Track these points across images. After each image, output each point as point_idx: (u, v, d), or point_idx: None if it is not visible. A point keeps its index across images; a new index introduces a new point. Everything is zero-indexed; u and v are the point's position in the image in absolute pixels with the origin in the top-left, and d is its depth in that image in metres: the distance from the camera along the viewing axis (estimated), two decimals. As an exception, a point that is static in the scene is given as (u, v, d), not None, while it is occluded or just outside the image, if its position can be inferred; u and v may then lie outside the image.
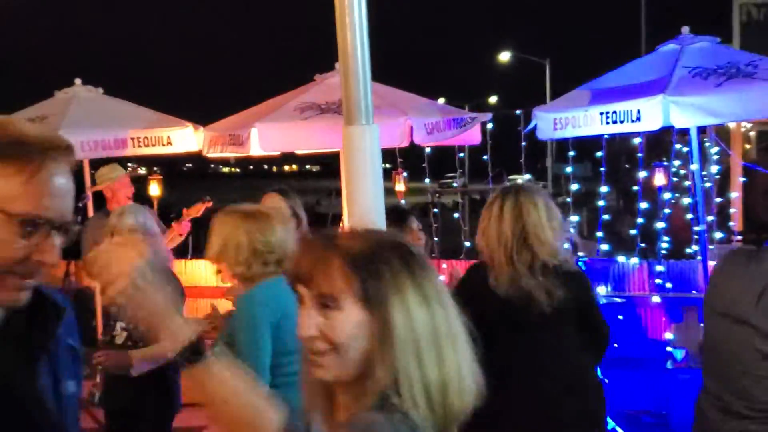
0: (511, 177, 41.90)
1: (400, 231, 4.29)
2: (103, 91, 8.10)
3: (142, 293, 1.51)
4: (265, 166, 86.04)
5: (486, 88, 63.51)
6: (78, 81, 8.00)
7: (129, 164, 6.80)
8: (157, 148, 7.51)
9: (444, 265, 8.15)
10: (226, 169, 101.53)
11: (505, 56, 45.21)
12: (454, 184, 12.71)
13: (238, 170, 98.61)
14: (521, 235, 3.56)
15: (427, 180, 8.07)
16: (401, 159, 8.54)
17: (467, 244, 8.79)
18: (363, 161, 1.94)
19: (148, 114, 8.00)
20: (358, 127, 1.90)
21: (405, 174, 8.88)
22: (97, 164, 7.62)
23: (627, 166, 13.24)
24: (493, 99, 62.05)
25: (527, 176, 39.51)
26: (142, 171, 6.61)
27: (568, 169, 8.94)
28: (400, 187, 8.89)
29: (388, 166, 9.33)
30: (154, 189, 8.31)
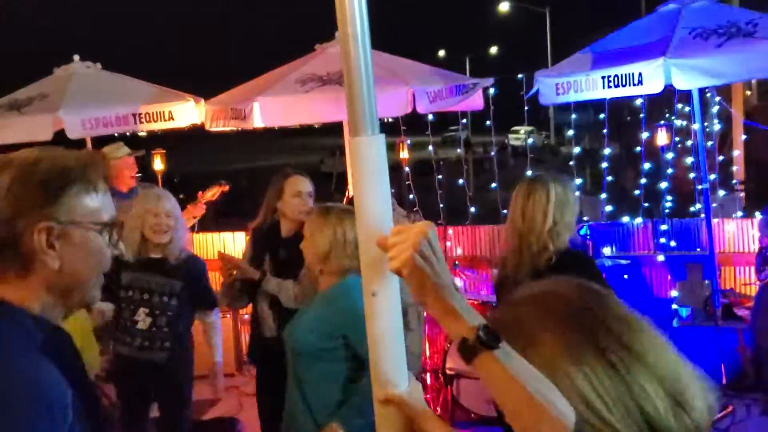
0: (513, 128, 41.49)
1: None
2: (102, 67, 8.05)
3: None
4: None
5: (486, 38, 63.03)
6: (76, 57, 7.97)
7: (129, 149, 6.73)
8: (159, 124, 7.50)
9: (450, 231, 8.19)
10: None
11: (504, 6, 44.93)
12: (461, 136, 12.70)
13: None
14: (528, 224, 3.65)
15: (430, 148, 8.03)
16: (404, 126, 8.52)
17: (472, 209, 8.81)
18: (370, 173, 1.93)
19: (148, 88, 7.98)
20: (364, 138, 1.90)
21: (408, 141, 8.87)
22: (98, 142, 7.61)
23: (629, 118, 13.20)
24: (493, 50, 61.75)
25: (529, 128, 38.97)
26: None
27: (570, 132, 8.88)
28: (404, 154, 8.89)
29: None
30: (158, 163, 8.31)
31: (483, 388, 6.39)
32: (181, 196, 7.77)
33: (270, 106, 6.57)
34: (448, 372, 6.21)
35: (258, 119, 6.57)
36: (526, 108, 7.53)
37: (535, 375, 1.39)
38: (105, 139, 7.42)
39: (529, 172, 8.20)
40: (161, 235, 4.69)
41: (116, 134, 7.46)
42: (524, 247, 3.72)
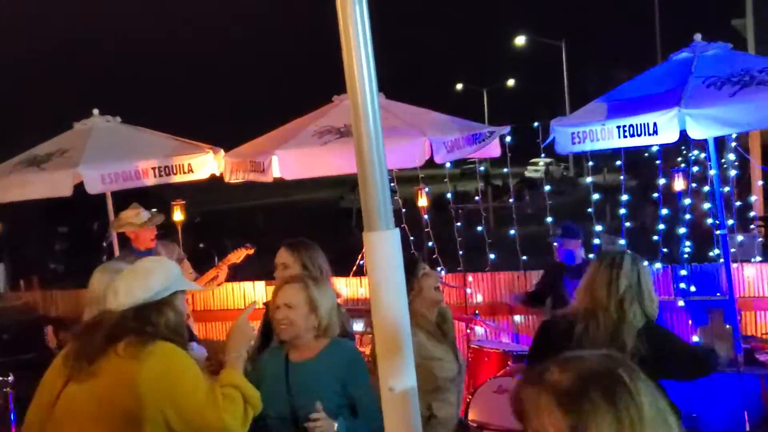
0: (532, 160, 41.37)
1: (409, 287, 4.21)
2: (121, 120, 8.15)
3: None
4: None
5: (504, 71, 63.28)
6: (96, 111, 8.07)
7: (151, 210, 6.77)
8: (179, 176, 7.58)
9: (470, 278, 8.19)
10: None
11: (521, 40, 45.21)
12: (481, 169, 12.74)
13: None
14: None
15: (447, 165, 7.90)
16: (422, 174, 8.56)
17: (492, 256, 8.81)
18: (385, 267, 1.99)
19: (166, 141, 8.06)
20: (379, 234, 1.95)
21: (427, 189, 8.92)
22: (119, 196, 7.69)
23: (646, 155, 13.22)
24: (510, 82, 62.02)
25: (548, 159, 38.87)
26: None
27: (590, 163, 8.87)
28: (422, 202, 8.94)
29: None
30: (178, 215, 8.39)
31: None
32: (201, 245, 7.82)
33: (288, 159, 6.65)
34: (471, 424, 6.19)
35: (276, 172, 6.64)
36: (542, 155, 7.58)
37: None
38: (126, 194, 7.51)
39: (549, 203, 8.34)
40: None
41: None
42: None
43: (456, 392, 4.53)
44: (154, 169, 7.48)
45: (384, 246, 1.99)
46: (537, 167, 37.86)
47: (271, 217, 32.45)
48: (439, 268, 8.71)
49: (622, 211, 7.71)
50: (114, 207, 7.71)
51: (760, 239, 9.06)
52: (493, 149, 7.43)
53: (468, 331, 7.58)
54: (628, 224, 7.49)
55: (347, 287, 8.88)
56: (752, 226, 9.02)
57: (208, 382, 3.23)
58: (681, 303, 7.09)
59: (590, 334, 3.86)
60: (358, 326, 8.24)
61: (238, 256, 6.84)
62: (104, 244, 6.87)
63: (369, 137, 1.97)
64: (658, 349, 3.86)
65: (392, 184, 8.46)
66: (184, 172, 7.59)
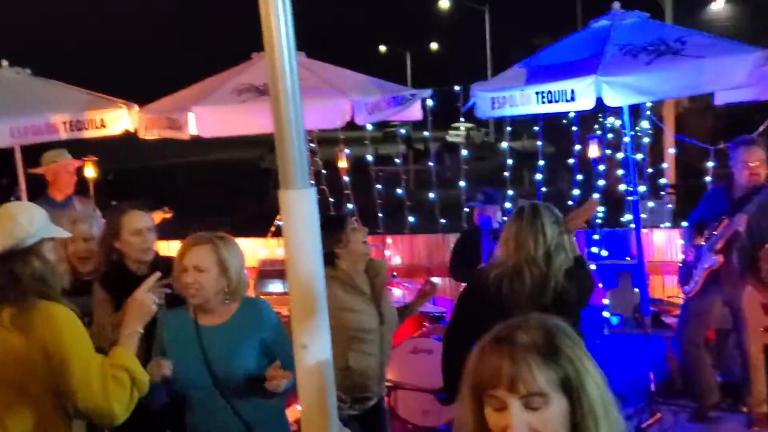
0: (453, 125, 41.62)
1: (337, 239, 4.26)
2: (31, 72, 7.85)
3: None
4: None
5: (427, 34, 63.27)
6: (5, 63, 7.75)
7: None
8: (91, 131, 7.37)
9: (389, 240, 8.22)
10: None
11: (444, 3, 45.27)
12: (402, 132, 12.68)
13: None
14: None
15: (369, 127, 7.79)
16: (342, 136, 8.51)
17: (411, 219, 8.85)
18: (301, 226, 1.96)
19: (79, 95, 7.80)
20: (295, 192, 1.92)
21: (348, 151, 8.87)
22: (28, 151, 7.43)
23: (564, 121, 13.43)
24: (434, 46, 61.99)
25: (469, 124, 39.11)
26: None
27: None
28: (343, 164, 8.90)
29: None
30: (90, 171, 8.16)
31: (418, 399, 6.45)
32: (114, 204, 7.61)
33: (206, 117, 6.51)
34: (385, 383, 6.25)
35: (193, 129, 6.51)
36: (462, 120, 7.60)
37: None
38: (35, 149, 7.26)
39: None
40: (86, 262, 4.59)
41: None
42: None
43: (377, 343, 4.56)
44: (65, 123, 7.24)
45: (300, 204, 1.96)
46: (458, 132, 38.10)
47: (190, 176, 31.89)
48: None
49: (539, 176, 7.84)
50: (24, 162, 7.45)
51: (671, 206, 9.33)
52: (415, 112, 7.43)
53: (385, 292, 7.60)
54: (544, 189, 7.62)
55: (265, 248, 8.82)
56: (663, 193, 9.28)
57: (98, 359, 3.07)
58: (593, 266, 7.25)
59: (520, 285, 3.89)
60: (276, 287, 8.22)
61: (155, 219, 6.69)
62: (12, 199, 6.62)
63: (286, 93, 1.93)
64: (583, 288, 3.96)
65: (313, 146, 8.40)
66: (97, 127, 7.38)
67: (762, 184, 5.85)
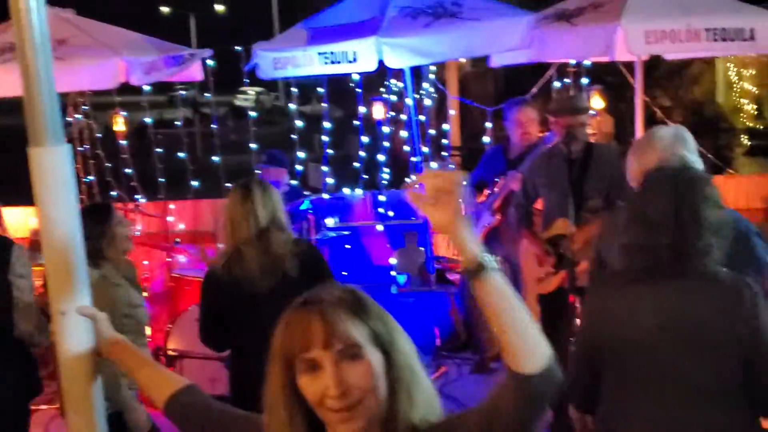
0: (241, 89, 40.97)
1: (102, 232, 3.86)
2: None
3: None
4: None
5: (212, -6, 61.61)
6: None
7: None
8: None
9: (172, 206, 7.94)
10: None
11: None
12: (182, 93, 12.17)
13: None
14: None
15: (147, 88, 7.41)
16: (118, 98, 8.07)
17: (195, 183, 8.58)
18: (53, 185, 1.80)
19: None
20: (46, 149, 1.75)
21: (124, 113, 8.45)
22: None
23: (351, 85, 13.60)
24: (220, 7, 60.46)
25: (258, 88, 38.51)
26: None
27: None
28: (119, 127, 8.47)
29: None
30: None
31: (205, 368, 6.31)
32: None
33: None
34: (170, 353, 6.06)
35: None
36: (246, 80, 7.43)
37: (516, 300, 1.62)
38: None
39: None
40: None
41: None
42: None
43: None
44: None
45: (52, 163, 1.80)
46: (247, 96, 37.59)
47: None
48: (137, 196, 8.33)
49: (325, 138, 7.86)
50: None
51: (453, 167, 9.64)
52: (195, 73, 7.14)
53: (169, 260, 7.37)
54: (331, 152, 7.63)
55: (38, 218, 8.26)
56: (445, 155, 9.57)
57: None
58: (380, 227, 7.37)
59: (248, 266, 3.80)
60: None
61: None
62: None
63: (32, 43, 1.76)
64: (310, 275, 3.84)
65: (86, 107, 7.92)
66: None
67: (535, 143, 6.15)
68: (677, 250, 2.56)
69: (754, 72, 20.69)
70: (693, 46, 5.80)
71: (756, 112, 20.72)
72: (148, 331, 4.61)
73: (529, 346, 1.60)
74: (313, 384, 1.58)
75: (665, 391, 2.56)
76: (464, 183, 1.72)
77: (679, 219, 2.56)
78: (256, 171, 6.87)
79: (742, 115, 20.40)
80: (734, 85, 20.87)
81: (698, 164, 3.31)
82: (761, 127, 19.84)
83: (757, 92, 20.83)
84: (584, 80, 7.98)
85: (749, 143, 19.06)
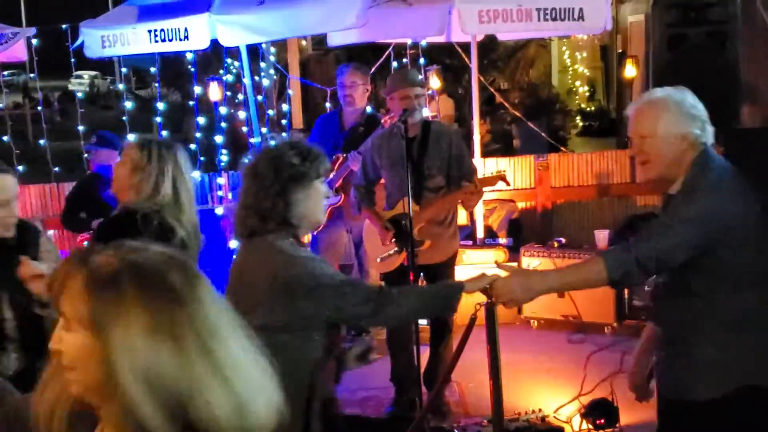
0: (76, 73, 39.42)
1: None
2: None
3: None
4: None
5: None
6: None
7: None
8: None
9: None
10: None
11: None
12: (4, 74, 11.40)
13: None
14: None
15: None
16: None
17: (20, 168, 8.10)
18: None
19: None
20: None
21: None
22: None
23: (190, 67, 13.28)
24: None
25: (93, 72, 37.03)
26: None
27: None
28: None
29: None
30: None
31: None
32: None
33: None
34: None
35: None
36: (73, 60, 7.05)
37: None
38: None
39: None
40: None
41: None
42: None
43: None
44: None
45: None
46: (81, 80, 36.05)
47: None
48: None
49: (159, 119, 7.64)
50: None
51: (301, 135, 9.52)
52: (18, 53, 6.78)
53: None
54: (165, 133, 7.38)
55: None
56: (285, 135, 9.43)
57: None
58: (220, 210, 7.21)
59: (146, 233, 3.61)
60: None
61: None
62: None
63: None
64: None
65: None
66: None
67: (370, 115, 6.21)
68: None
69: (586, 55, 21.69)
70: (525, 26, 5.98)
71: (588, 94, 21.75)
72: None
73: None
74: None
75: None
76: None
77: None
78: (85, 154, 6.58)
79: (576, 97, 21.35)
80: (568, 68, 21.81)
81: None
82: (593, 108, 20.82)
83: (589, 75, 21.84)
84: (422, 61, 8.07)
85: (582, 124, 19.98)
